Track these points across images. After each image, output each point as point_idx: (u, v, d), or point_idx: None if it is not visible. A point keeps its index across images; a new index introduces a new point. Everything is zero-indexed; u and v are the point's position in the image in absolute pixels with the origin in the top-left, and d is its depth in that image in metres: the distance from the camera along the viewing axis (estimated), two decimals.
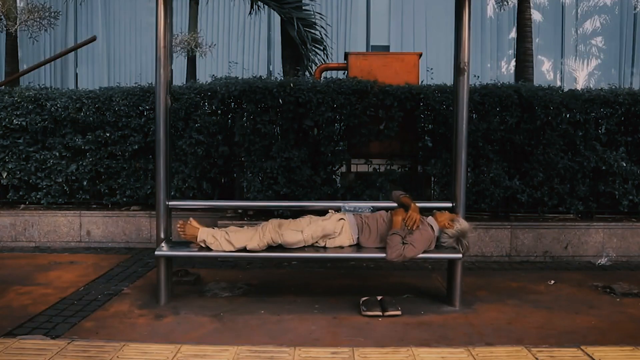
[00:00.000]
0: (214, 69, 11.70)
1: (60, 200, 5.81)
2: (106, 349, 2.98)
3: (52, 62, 13.25)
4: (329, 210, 3.99)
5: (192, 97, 5.56)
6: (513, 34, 11.60)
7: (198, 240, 3.76)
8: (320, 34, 8.48)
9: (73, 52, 13.17)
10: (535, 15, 12.43)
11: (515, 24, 9.05)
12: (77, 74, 13.54)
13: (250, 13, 8.65)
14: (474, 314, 3.72)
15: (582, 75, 13.74)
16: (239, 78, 5.55)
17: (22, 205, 5.88)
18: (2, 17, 7.75)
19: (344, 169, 5.69)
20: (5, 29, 7.83)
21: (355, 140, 5.44)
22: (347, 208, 3.95)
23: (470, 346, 3.13)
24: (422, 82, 6.01)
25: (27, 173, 5.76)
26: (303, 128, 5.33)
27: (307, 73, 8.00)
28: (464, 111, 3.84)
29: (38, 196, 5.76)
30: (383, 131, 5.39)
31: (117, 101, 5.64)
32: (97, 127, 5.70)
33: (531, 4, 8.81)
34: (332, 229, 3.78)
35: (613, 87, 5.67)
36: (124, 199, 5.75)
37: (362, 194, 5.31)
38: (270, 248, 3.73)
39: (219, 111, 5.60)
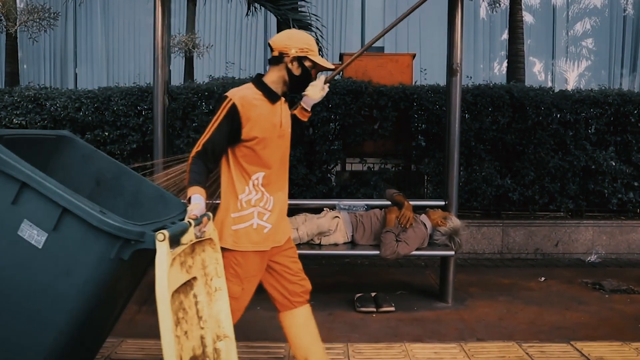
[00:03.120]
0: (211, 69, 11.71)
1: None
2: (105, 345, 3.01)
3: (52, 63, 13.30)
4: (324, 209, 4.03)
5: (189, 97, 5.60)
6: (505, 36, 11.67)
7: None
8: (316, 35, 8.51)
9: (73, 52, 13.27)
10: (527, 17, 12.50)
11: (507, 26, 9.12)
12: (76, 74, 13.53)
13: (247, 14, 8.69)
14: (466, 310, 3.79)
15: (572, 76, 13.83)
16: (236, 78, 5.60)
17: None
18: (2, 17, 7.77)
19: (338, 167, 5.74)
20: (5, 29, 7.84)
21: (350, 139, 5.49)
22: (341, 206, 4.00)
23: (462, 342, 3.20)
24: (415, 82, 6.07)
25: None
26: None
27: None
28: (456, 111, 3.90)
29: None
30: (377, 131, 5.44)
31: (116, 101, 5.67)
32: (96, 127, 5.73)
33: (523, 6, 8.87)
34: (326, 227, 3.83)
35: (603, 88, 5.76)
36: None
37: (356, 193, 5.37)
38: None
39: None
